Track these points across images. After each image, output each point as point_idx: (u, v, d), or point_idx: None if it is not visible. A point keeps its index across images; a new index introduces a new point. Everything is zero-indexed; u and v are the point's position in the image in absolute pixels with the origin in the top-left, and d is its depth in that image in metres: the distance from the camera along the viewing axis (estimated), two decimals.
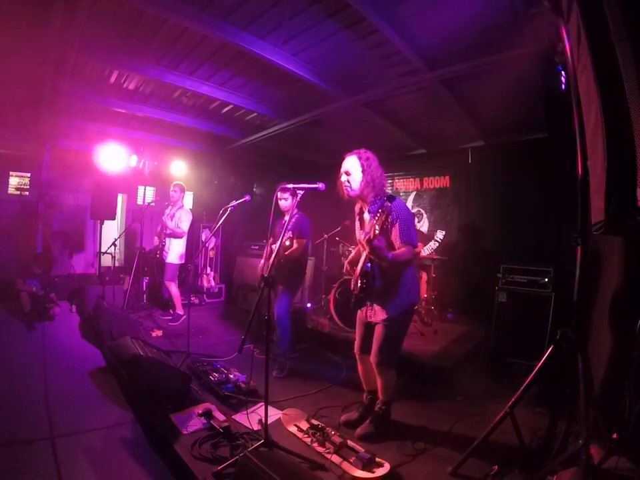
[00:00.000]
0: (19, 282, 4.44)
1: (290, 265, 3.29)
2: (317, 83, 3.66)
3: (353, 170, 2.17)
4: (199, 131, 5.45)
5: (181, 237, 4.72)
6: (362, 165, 2.16)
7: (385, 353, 2.21)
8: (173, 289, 4.69)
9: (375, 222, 1.91)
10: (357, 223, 2.42)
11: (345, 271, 2.48)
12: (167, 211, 4.83)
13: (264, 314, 2.14)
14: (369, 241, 1.91)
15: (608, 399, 1.73)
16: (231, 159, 7.00)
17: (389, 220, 2.02)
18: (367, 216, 2.26)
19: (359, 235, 2.32)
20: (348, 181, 2.18)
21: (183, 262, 4.77)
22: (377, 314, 2.25)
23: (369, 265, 2.14)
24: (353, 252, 2.54)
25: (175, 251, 4.70)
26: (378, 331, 2.25)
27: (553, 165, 4.06)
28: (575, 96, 1.71)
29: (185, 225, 4.72)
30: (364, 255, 2.15)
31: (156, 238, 4.98)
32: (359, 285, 2.16)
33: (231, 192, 6.73)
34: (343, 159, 2.24)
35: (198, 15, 2.74)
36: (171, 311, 4.84)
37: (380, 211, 1.90)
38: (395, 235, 2.08)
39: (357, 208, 2.42)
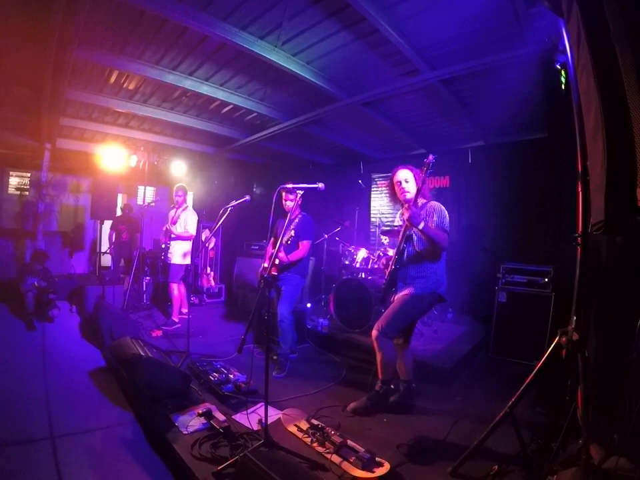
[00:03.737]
0: (22, 286, 4.38)
1: (293, 265, 3.29)
2: (317, 83, 3.67)
3: (409, 179, 2.60)
4: (199, 130, 5.45)
5: (189, 240, 4.63)
6: (415, 176, 2.59)
7: (389, 324, 2.44)
8: (175, 291, 4.62)
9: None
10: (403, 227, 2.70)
11: (383, 264, 2.78)
12: (172, 213, 4.71)
13: (264, 314, 2.14)
14: (409, 206, 2.33)
15: (608, 398, 1.72)
16: (230, 159, 7.01)
17: (428, 212, 2.48)
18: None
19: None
20: (408, 188, 2.58)
21: (189, 263, 4.64)
22: (404, 290, 2.53)
23: (405, 247, 2.54)
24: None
25: (179, 251, 4.58)
26: (394, 302, 2.52)
27: (552, 164, 4.07)
28: (575, 96, 1.71)
29: (192, 228, 4.62)
30: (400, 237, 2.52)
31: (162, 239, 4.80)
32: (390, 267, 2.53)
33: (231, 192, 6.73)
34: (395, 172, 2.66)
35: (198, 15, 2.74)
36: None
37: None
38: (431, 222, 2.45)
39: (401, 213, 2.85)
